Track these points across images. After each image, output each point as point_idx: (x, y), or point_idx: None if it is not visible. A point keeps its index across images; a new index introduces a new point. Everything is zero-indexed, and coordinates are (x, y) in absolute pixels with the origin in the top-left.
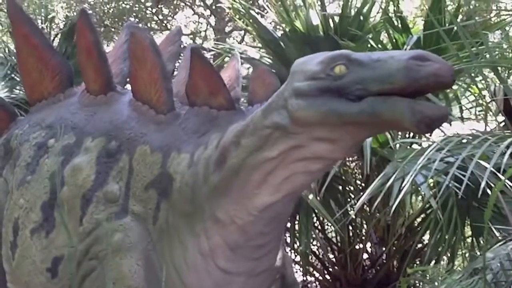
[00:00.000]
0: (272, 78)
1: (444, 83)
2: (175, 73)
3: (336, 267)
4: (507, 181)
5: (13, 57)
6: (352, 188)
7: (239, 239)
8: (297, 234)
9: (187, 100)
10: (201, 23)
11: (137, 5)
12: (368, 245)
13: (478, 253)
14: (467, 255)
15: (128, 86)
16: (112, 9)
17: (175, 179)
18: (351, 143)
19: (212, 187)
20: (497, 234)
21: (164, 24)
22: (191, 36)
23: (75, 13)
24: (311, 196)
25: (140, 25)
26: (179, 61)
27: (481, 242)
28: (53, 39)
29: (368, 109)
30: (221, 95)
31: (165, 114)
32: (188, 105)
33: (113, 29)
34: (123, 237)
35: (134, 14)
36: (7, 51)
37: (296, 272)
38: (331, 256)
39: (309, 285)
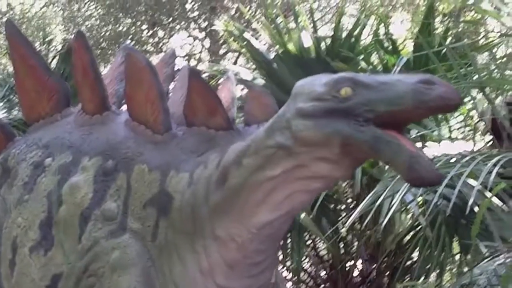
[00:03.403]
0: (268, 99)
1: (452, 106)
2: (170, 94)
3: (327, 284)
4: (493, 198)
5: (11, 79)
6: (343, 207)
7: (238, 256)
8: (289, 252)
9: (185, 120)
10: (196, 46)
11: (133, 28)
12: (359, 262)
13: (466, 269)
14: (455, 271)
15: (124, 107)
16: (108, 32)
17: (175, 197)
18: (352, 163)
19: (213, 206)
20: (485, 250)
21: (159, 47)
22: (186, 58)
23: (72, 36)
24: (303, 215)
25: (136, 47)
26: (173, 82)
27: (469, 258)
28: (51, 61)
29: (371, 143)
30: (219, 115)
31: (162, 134)
32: (184, 125)
33: (109, 51)
34: (122, 255)
35: (130, 36)
36: (5, 72)
37: None
38: (322, 273)
39: None
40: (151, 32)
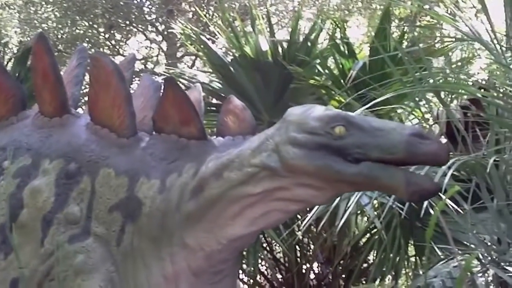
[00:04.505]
0: (246, 114)
1: (440, 162)
2: None
3: (284, 287)
4: (448, 201)
5: None
6: None
7: (204, 265)
8: (245, 254)
9: (153, 126)
10: (153, 48)
11: (90, 31)
12: (315, 265)
13: (421, 272)
14: (410, 273)
15: (80, 110)
16: (65, 35)
17: (145, 203)
18: (334, 193)
19: (185, 214)
20: (440, 253)
21: (116, 49)
22: (143, 61)
23: (28, 38)
24: None
25: (93, 50)
26: (132, 87)
27: (424, 261)
28: (7, 64)
29: (366, 172)
30: (193, 125)
31: (128, 138)
32: (144, 131)
33: (66, 54)
34: (85, 259)
35: (87, 39)
36: None
37: None
38: (279, 276)
39: None
40: (108, 35)
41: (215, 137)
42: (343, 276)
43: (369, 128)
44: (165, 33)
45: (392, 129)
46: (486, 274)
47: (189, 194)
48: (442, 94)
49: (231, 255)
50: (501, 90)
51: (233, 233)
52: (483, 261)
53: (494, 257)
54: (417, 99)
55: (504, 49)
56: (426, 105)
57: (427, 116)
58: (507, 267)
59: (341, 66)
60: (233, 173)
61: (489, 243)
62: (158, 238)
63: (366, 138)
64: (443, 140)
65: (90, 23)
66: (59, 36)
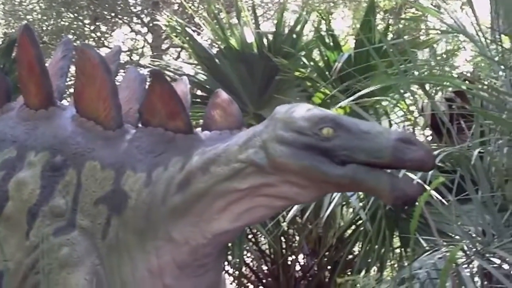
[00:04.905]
0: (234, 109)
1: (426, 169)
2: None
3: (269, 279)
4: (432, 192)
5: None
6: None
7: (189, 259)
8: (231, 246)
9: (140, 119)
10: (138, 40)
11: (75, 22)
12: (301, 256)
13: (406, 263)
14: (395, 265)
15: (65, 102)
16: (50, 26)
17: (131, 196)
18: (319, 193)
19: (171, 208)
20: (425, 244)
21: (101, 41)
22: (128, 53)
23: (13, 30)
24: None
25: (78, 42)
26: (117, 79)
27: (409, 252)
28: None
29: (351, 175)
30: (180, 119)
31: (114, 130)
32: (129, 123)
33: (51, 46)
34: (70, 252)
35: (72, 31)
36: None
37: (231, 284)
38: (264, 267)
39: None
40: (93, 26)
41: (201, 130)
42: (329, 267)
43: (356, 131)
44: (151, 25)
45: (379, 133)
46: (471, 266)
47: (175, 188)
48: (427, 86)
49: (215, 249)
50: (486, 83)
51: (219, 227)
52: (467, 252)
53: (479, 249)
54: (402, 91)
55: (488, 41)
56: (411, 97)
57: (412, 108)
58: (492, 259)
59: (326, 58)
60: (220, 168)
61: (473, 235)
62: (144, 232)
63: (353, 141)
64: (429, 132)
65: (75, 14)
66: (44, 28)
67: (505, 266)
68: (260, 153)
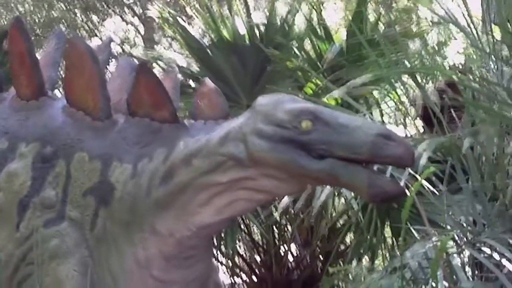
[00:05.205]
0: (220, 99)
1: (404, 165)
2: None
3: (262, 269)
4: (424, 182)
5: None
6: None
7: (175, 251)
8: (223, 237)
9: (128, 109)
10: (130, 31)
11: (67, 14)
12: (293, 246)
13: (398, 253)
14: (387, 255)
15: (57, 93)
16: (42, 18)
17: (117, 188)
18: (299, 186)
19: (155, 200)
20: (416, 234)
21: (93, 32)
22: (120, 44)
23: (5, 22)
24: None
25: (70, 33)
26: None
27: (400, 242)
28: None
29: (328, 170)
30: (166, 109)
31: (102, 121)
32: (120, 113)
33: (43, 38)
34: (60, 243)
35: (64, 22)
36: None
37: (224, 273)
38: (257, 258)
39: (236, 287)
40: (85, 17)
41: (189, 120)
42: (321, 257)
43: (335, 125)
44: (143, 16)
45: (358, 127)
46: (462, 255)
47: (159, 180)
48: (418, 77)
49: (201, 241)
50: (477, 73)
51: (201, 220)
52: (458, 242)
53: (470, 238)
54: (393, 81)
55: (480, 33)
56: (402, 88)
57: (403, 98)
58: (482, 248)
59: (318, 49)
60: (202, 161)
61: (464, 224)
62: (130, 223)
63: (332, 135)
64: (420, 122)
65: (67, 5)
66: (36, 20)
67: (496, 256)
68: (240, 146)
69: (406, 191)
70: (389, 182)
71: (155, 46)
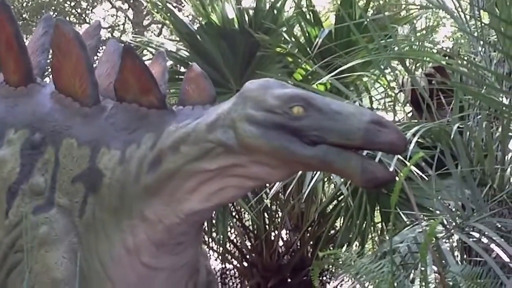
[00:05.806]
0: (207, 83)
1: (397, 152)
2: (95, 67)
3: (253, 254)
4: (413, 167)
5: None
6: None
7: (164, 237)
8: (215, 223)
9: (115, 94)
10: (120, 17)
11: None
12: (283, 232)
13: (387, 237)
14: (377, 239)
15: (46, 79)
16: (30, 3)
17: (105, 174)
18: (290, 172)
19: (144, 187)
20: (405, 219)
21: (82, 18)
22: (110, 29)
23: None
24: None
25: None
26: (98, 55)
27: (390, 227)
28: None
29: (321, 156)
30: (152, 94)
31: (90, 107)
32: (109, 98)
33: (31, 23)
34: (49, 230)
35: (53, 7)
36: None
37: (215, 260)
38: (248, 243)
39: (227, 272)
40: (73, 3)
41: (177, 106)
42: (311, 242)
43: (327, 111)
44: (132, 1)
45: (351, 114)
46: (451, 239)
47: (147, 166)
48: (407, 62)
49: (190, 227)
50: (465, 58)
51: (190, 207)
52: (447, 226)
53: (458, 223)
54: (382, 66)
55: (468, 17)
56: (392, 73)
57: (393, 84)
58: (471, 232)
59: (307, 34)
60: (190, 148)
61: (453, 209)
62: (118, 210)
63: (324, 121)
64: (409, 107)
65: None
66: (24, 4)
67: (484, 240)
68: (229, 132)
69: (396, 176)
70: (380, 168)
71: (145, 31)
